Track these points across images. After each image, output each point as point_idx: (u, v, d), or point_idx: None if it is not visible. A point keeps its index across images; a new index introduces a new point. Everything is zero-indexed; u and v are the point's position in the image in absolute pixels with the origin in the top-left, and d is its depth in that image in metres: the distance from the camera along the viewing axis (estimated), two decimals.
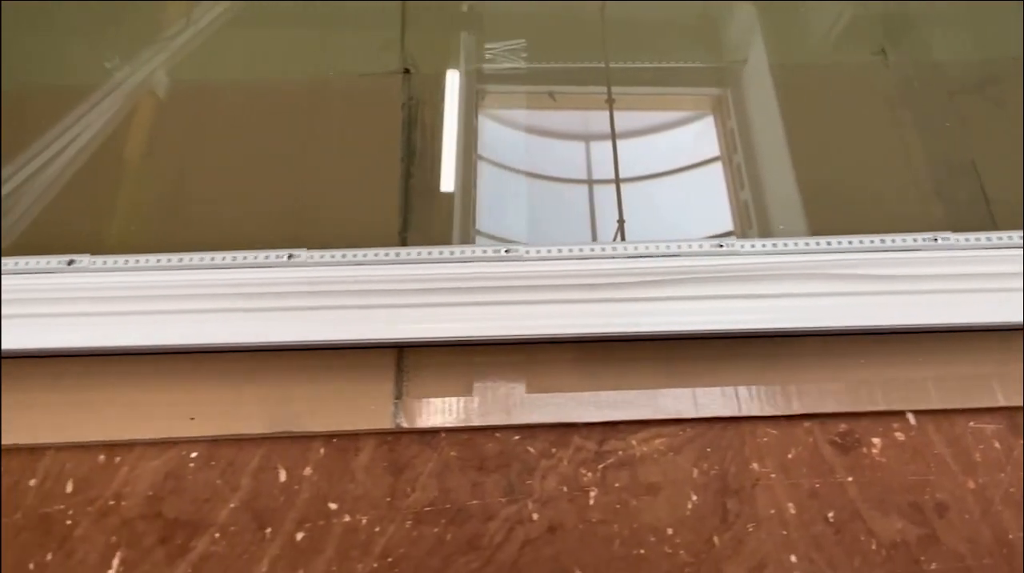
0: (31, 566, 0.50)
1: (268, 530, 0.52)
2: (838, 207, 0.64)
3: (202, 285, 0.54)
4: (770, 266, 0.55)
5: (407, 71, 0.70)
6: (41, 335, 0.53)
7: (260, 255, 0.56)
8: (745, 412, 0.55)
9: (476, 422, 0.54)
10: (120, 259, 0.55)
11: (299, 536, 0.51)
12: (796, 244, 0.56)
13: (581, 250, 0.56)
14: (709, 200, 0.66)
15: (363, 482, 0.53)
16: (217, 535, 0.51)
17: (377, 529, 0.52)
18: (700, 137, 0.69)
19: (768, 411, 0.55)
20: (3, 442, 0.54)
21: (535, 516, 0.52)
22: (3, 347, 0.53)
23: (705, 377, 0.56)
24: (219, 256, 0.56)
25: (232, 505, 0.52)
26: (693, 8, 0.76)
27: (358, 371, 0.56)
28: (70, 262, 0.55)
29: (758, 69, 0.72)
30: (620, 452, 0.54)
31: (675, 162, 0.67)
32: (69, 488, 0.53)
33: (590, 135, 0.69)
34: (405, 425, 0.54)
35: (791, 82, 0.70)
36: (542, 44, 0.74)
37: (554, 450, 0.54)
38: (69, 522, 0.52)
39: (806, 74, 0.72)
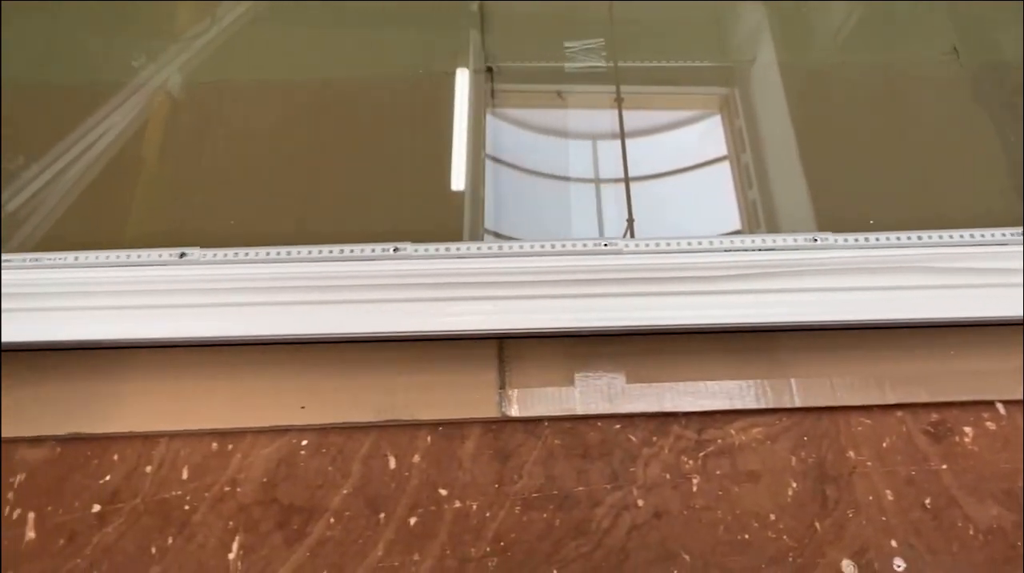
0: (153, 550, 0.52)
1: (382, 515, 0.53)
2: (847, 205, 0.65)
3: (312, 277, 0.56)
4: (865, 259, 0.56)
5: (490, 69, 0.72)
6: (154, 325, 0.55)
7: (367, 248, 0.57)
8: (839, 402, 0.56)
9: (578, 411, 0.56)
10: (230, 252, 0.57)
11: (412, 521, 0.53)
12: (889, 238, 0.58)
13: (678, 243, 0.57)
14: (716, 199, 0.66)
15: (471, 469, 0.55)
16: (332, 520, 0.53)
17: (487, 514, 0.53)
18: (707, 136, 0.69)
19: (861, 401, 0.56)
20: (116, 430, 0.55)
21: (640, 502, 0.53)
22: (118, 336, 0.54)
23: (800, 368, 0.57)
24: (326, 249, 0.57)
25: (345, 491, 0.54)
26: (701, 8, 0.76)
27: (461, 362, 0.57)
28: (182, 254, 0.57)
29: (766, 68, 0.72)
30: (719, 441, 0.56)
31: (682, 161, 0.68)
32: (185, 475, 0.54)
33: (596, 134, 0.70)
34: (511, 414, 0.55)
35: (799, 81, 0.71)
36: (550, 43, 0.74)
37: (655, 439, 0.56)
38: (187, 507, 0.53)
39: (815, 73, 0.72)
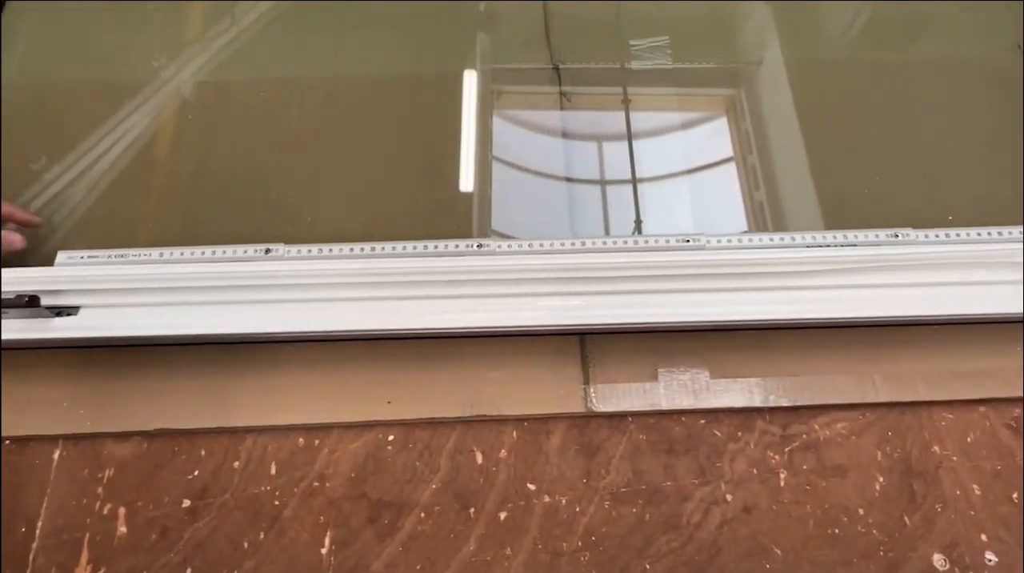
0: (245, 545, 0.52)
1: (471, 510, 0.53)
2: (855, 206, 0.65)
3: (395, 273, 0.56)
4: (946, 255, 0.56)
5: (556, 68, 0.72)
6: (240, 320, 0.55)
7: (451, 244, 0.57)
8: (922, 397, 0.56)
9: (663, 406, 0.56)
10: (314, 248, 0.57)
11: (502, 516, 0.53)
12: (968, 234, 0.58)
13: (760, 239, 0.58)
14: (723, 200, 0.66)
15: (558, 464, 0.55)
16: (423, 515, 0.53)
17: (577, 509, 0.53)
18: (713, 138, 0.69)
19: (943, 396, 0.57)
20: (202, 425, 0.55)
21: (729, 497, 0.54)
22: (212, 332, 0.54)
23: (882, 363, 0.57)
24: (410, 245, 0.57)
25: (434, 486, 0.54)
26: (708, 9, 0.76)
27: (544, 357, 0.57)
28: (267, 250, 0.57)
29: (773, 70, 0.72)
30: (804, 436, 0.56)
31: (688, 163, 0.67)
32: (273, 470, 0.55)
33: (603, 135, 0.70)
34: (596, 409, 0.56)
35: (807, 82, 0.70)
36: (559, 44, 0.74)
37: (740, 434, 0.56)
38: (277, 503, 0.53)
39: (823, 74, 0.72)
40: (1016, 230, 0.58)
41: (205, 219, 0.65)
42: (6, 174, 0.66)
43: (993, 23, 0.76)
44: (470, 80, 0.72)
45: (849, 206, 0.65)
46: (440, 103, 0.71)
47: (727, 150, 0.68)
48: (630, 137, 0.68)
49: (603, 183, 0.67)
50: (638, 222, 0.64)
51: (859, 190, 0.66)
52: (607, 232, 0.65)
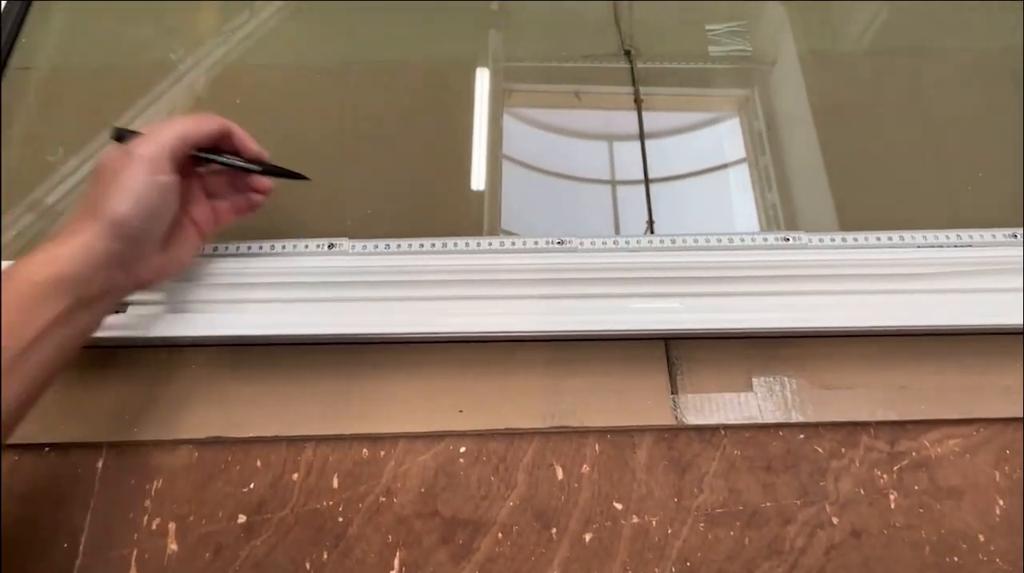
0: (307, 565, 0.48)
1: (553, 530, 0.49)
2: (872, 209, 0.61)
3: (464, 270, 0.52)
4: None
5: (628, 52, 0.68)
6: (304, 319, 0.51)
7: (529, 241, 0.53)
8: None
9: (758, 419, 0.51)
10: (380, 243, 0.53)
11: (587, 537, 0.48)
12: None
13: (866, 239, 0.53)
14: (735, 201, 0.63)
15: (646, 481, 0.50)
16: (500, 535, 0.49)
17: (669, 531, 0.49)
18: (725, 138, 0.67)
19: None
20: (258, 433, 0.51)
21: (835, 520, 0.49)
22: (268, 331, 0.50)
23: (995, 375, 0.53)
24: (485, 241, 0.53)
25: (511, 503, 0.49)
26: (721, 8, 0.74)
27: (628, 364, 0.53)
28: (330, 246, 0.53)
29: (787, 70, 0.69)
30: (914, 453, 0.51)
31: (700, 163, 0.65)
32: (335, 483, 0.50)
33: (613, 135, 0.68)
34: (687, 421, 0.51)
35: (822, 82, 0.68)
36: (568, 43, 0.71)
37: (843, 450, 0.51)
38: (341, 519, 0.49)
39: (838, 74, 0.69)
40: None
41: None
42: (22, 165, 0.63)
43: (1013, 23, 0.73)
44: (482, 78, 0.69)
45: (865, 208, 0.61)
46: (453, 101, 0.68)
47: (739, 151, 0.66)
48: (642, 137, 0.65)
49: (613, 183, 0.64)
50: (650, 222, 0.61)
51: (875, 193, 0.62)
52: (617, 232, 0.61)
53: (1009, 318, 0.51)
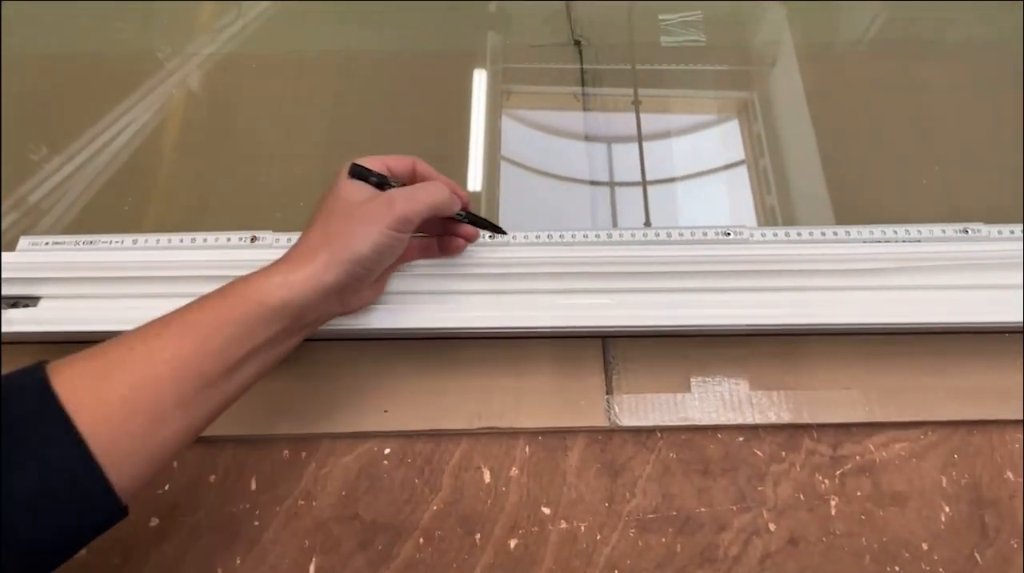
0: (219, 571, 0.46)
1: (477, 536, 0.47)
2: (870, 212, 0.60)
3: (414, 266, 0.49)
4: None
5: (577, 43, 0.66)
6: None
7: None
8: (992, 416, 0.49)
9: (697, 421, 0.49)
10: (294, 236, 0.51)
11: (512, 543, 0.46)
12: None
13: (811, 234, 0.51)
14: (733, 203, 0.63)
15: (576, 485, 0.48)
16: (422, 541, 0.46)
17: (599, 537, 0.47)
18: (724, 141, 0.66)
19: (1018, 414, 0.50)
20: None
21: (772, 526, 0.47)
22: None
23: (947, 376, 0.50)
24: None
25: (435, 507, 0.47)
26: (721, 10, 0.73)
27: (562, 363, 0.51)
28: (252, 238, 0.51)
29: (786, 72, 0.69)
30: (857, 457, 0.49)
31: (699, 166, 0.65)
32: (253, 485, 0.48)
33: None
34: (621, 423, 0.49)
35: (821, 84, 0.67)
36: (570, 44, 0.71)
37: (784, 453, 0.49)
38: (256, 523, 0.47)
39: (837, 76, 0.69)
40: None
41: (206, 208, 0.62)
42: (5, 164, 0.62)
43: (1012, 25, 0.72)
44: (480, 79, 0.69)
45: (865, 210, 0.60)
46: (450, 102, 0.67)
47: (739, 153, 0.65)
48: (640, 139, 0.65)
49: (612, 185, 0.63)
50: (647, 225, 0.60)
51: (873, 195, 0.61)
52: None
53: (966, 315, 0.49)
